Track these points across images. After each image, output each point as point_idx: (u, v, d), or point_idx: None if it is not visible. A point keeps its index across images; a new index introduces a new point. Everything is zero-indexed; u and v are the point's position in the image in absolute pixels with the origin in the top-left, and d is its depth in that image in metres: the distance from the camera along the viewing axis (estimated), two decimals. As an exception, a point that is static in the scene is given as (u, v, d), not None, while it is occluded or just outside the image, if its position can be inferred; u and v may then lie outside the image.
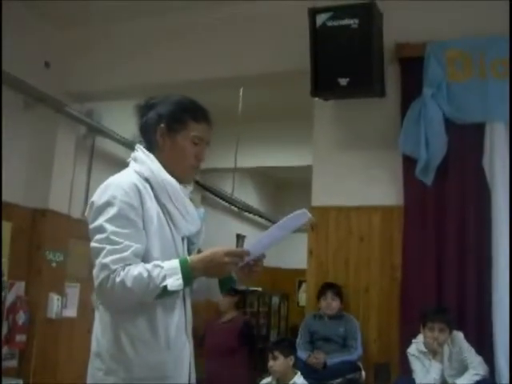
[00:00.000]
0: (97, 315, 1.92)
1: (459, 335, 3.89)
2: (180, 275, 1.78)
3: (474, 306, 4.22)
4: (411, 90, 4.49)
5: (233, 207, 9.12)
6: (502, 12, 4.29)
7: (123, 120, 6.85)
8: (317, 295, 4.60)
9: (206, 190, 7.84)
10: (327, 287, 4.53)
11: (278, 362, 3.73)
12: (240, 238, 10.53)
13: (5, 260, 5.31)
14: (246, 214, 10.08)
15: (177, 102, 2.05)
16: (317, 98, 4.70)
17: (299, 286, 11.67)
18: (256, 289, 9.82)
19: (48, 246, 5.71)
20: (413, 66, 4.52)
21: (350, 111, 4.79)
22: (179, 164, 2.02)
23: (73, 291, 6.19)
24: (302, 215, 1.92)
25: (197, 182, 6.96)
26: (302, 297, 11.51)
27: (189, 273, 1.80)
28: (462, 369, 3.79)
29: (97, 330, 1.90)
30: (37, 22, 5.54)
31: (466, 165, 4.40)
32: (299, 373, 3.73)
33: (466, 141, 4.39)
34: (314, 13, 4.30)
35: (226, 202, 8.60)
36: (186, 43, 5.29)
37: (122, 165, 6.79)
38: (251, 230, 10.93)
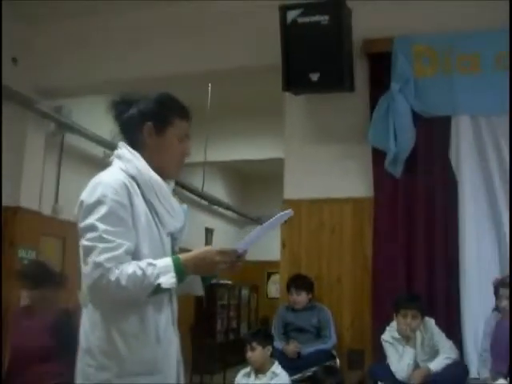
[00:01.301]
0: (85, 312, 1.95)
1: (430, 321, 4.03)
2: (173, 273, 1.83)
3: (443, 293, 4.38)
4: (380, 85, 4.61)
5: (202, 201, 9.16)
6: (468, 7, 4.44)
7: (93, 116, 6.84)
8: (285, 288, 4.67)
9: (176, 184, 7.86)
10: (291, 282, 4.59)
11: (256, 353, 3.79)
12: (209, 232, 10.58)
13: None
14: (215, 207, 10.14)
15: (160, 100, 2.07)
16: (288, 93, 4.77)
17: (268, 278, 11.79)
18: (226, 282, 9.89)
19: (20, 244, 5.68)
20: (381, 61, 4.64)
21: (321, 105, 4.89)
22: (167, 161, 2.05)
23: (45, 288, 6.17)
24: (285, 215, 1.99)
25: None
26: (271, 288, 11.64)
27: (181, 271, 1.86)
28: (434, 353, 3.93)
29: (85, 326, 1.93)
30: (4, 18, 5.48)
31: (434, 157, 4.55)
32: (277, 362, 3.82)
33: (433, 134, 4.54)
34: (284, 9, 4.38)
35: (196, 195, 8.64)
36: (157, 39, 5.31)
37: (92, 161, 6.76)
38: (220, 224, 10.99)
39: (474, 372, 3.97)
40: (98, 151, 6.95)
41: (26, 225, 5.78)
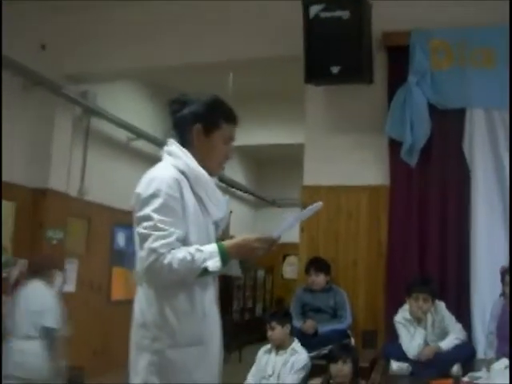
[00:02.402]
0: (140, 290, 2.20)
1: (441, 304, 4.25)
2: (218, 258, 2.08)
3: (455, 278, 4.59)
4: (397, 77, 4.80)
5: (221, 183, 9.39)
6: (484, 3, 4.59)
7: (116, 101, 7.07)
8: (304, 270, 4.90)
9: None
10: (310, 264, 4.81)
11: (276, 332, 4.02)
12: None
13: (9, 238, 5.55)
14: (233, 190, 10.36)
15: (211, 104, 2.29)
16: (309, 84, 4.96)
17: (283, 259, 12.03)
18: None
19: (48, 224, 5.94)
20: (399, 54, 4.82)
21: (340, 96, 5.07)
22: (211, 160, 2.29)
23: (71, 267, 6.45)
24: (316, 207, 2.22)
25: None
26: (287, 269, 11.90)
27: (225, 256, 2.10)
28: (444, 335, 4.15)
29: (141, 303, 2.18)
30: (33, 5, 5.67)
31: (448, 147, 4.74)
32: (296, 340, 4.05)
33: (448, 125, 4.72)
34: (307, 4, 4.56)
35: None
36: (182, 28, 5.51)
37: (116, 145, 6.95)
38: (238, 206, 11.23)
39: (480, 352, 4.18)
40: (122, 135, 7.19)
41: (55, 206, 6.04)
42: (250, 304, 10.77)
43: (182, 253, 2.05)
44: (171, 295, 2.12)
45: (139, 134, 7.27)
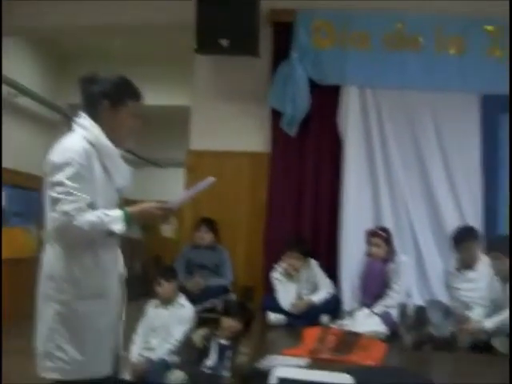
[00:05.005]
0: (49, 248, 2.42)
1: (313, 262, 4.74)
2: (123, 222, 2.34)
3: (326, 238, 5.11)
4: (282, 52, 5.14)
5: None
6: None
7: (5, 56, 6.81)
8: (193, 228, 5.20)
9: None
10: (202, 222, 5.13)
11: (163, 287, 4.26)
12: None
13: None
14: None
15: (117, 83, 2.53)
16: (199, 54, 5.18)
17: (161, 218, 12.13)
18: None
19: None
20: (284, 31, 5.15)
21: (228, 66, 5.35)
22: (118, 134, 2.52)
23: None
24: (209, 181, 2.54)
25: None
26: (164, 229, 12.10)
27: (129, 220, 2.37)
28: (315, 289, 4.66)
29: (50, 259, 2.40)
30: None
31: (325, 120, 5.18)
32: (182, 295, 4.33)
33: (326, 100, 5.16)
34: (200, -25, 4.74)
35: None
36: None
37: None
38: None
39: (347, 305, 4.72)
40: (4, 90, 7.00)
41: None
42: (128, 262, 10.86)
43: (90, 216, 2.29)
44: (78, 253, 2.36)
45: (23, 91, 7.11)
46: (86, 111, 2.49)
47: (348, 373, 2.03)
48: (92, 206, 2.33)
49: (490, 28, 5.03)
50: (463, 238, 4.38)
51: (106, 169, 2.44)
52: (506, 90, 4.96)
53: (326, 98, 5.15)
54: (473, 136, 5.06)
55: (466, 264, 4.37)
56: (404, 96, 5.08)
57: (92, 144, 2.40)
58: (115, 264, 2.52)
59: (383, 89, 5.08)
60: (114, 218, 2.33)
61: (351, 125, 5.09)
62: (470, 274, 4.34)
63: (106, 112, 2.47)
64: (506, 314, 3.86)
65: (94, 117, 2.47)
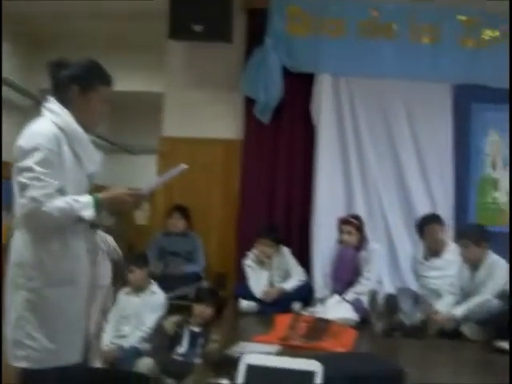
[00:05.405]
0: (17, 234, 2.36)
1: (285, 250, 4.75)
2: (92, 208, 2.30)
3: (298, 226, 5.12)
4: (255, 39, 5.11)
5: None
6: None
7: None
8: (165, 215, 5.18)
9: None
10: (175, 209, 5.12)
11: (135, 274, 4.24)
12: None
13: None
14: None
15: (87, 67, 2.48)
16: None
17: (135, 206, 12.06)
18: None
19: None
20: (258, 17, 5.13)
21: (201, 52, 5.30)
22: (88, 119, 2.47)
23: None
24: (180, 168, 2.51)
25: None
26: (139, 216, 12.03)
27: (99, 206, 2.33)
28: (287, 276, 4.68)
29: (18, 245, 2.35)
30: None
31: (298, 108, 5.18)
32: (154, 282, 4.32)
33: (300, 88, 5.15)
34: (173, -40, 4.69)
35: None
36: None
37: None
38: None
39: (318, 292, 4.75)
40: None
41: None
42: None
43: (60, 202, 2.25)
44: (46, 239, 2.32)
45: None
46: (55, 96, 2.44)
47: (317, 359, 2.03)
48: (61, 192, 2.29)
49: (463, 18, 5.06)
50: (425, 222, 4.45)
51: (75, 154, 2.39)
52: (478, 80, 5.02)
53: (299, 86, 5.14)
54: (445, 125, 5.10)
55: (433, 251, 4.44)
56: (377, 84, 5.10)
57: (61, 129, 2.35)
58: (85, 250, 2.46)
59: (356, 77, 5.09)
60: (84, 204, 2.29)
61: (324, 112, 5.09)
62: (437, 262, 4.41)
63: (75, 97, 2.42)
64: (474, 302, 3.92)
65: (64, 102, 2.42)
